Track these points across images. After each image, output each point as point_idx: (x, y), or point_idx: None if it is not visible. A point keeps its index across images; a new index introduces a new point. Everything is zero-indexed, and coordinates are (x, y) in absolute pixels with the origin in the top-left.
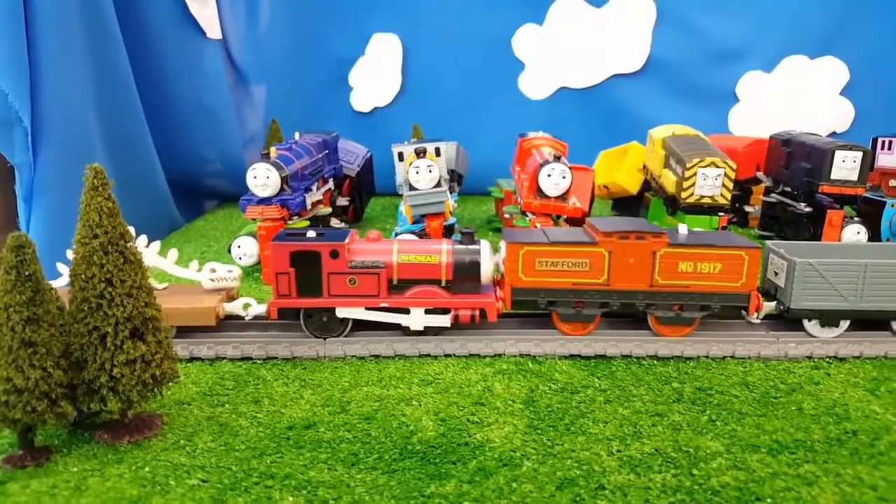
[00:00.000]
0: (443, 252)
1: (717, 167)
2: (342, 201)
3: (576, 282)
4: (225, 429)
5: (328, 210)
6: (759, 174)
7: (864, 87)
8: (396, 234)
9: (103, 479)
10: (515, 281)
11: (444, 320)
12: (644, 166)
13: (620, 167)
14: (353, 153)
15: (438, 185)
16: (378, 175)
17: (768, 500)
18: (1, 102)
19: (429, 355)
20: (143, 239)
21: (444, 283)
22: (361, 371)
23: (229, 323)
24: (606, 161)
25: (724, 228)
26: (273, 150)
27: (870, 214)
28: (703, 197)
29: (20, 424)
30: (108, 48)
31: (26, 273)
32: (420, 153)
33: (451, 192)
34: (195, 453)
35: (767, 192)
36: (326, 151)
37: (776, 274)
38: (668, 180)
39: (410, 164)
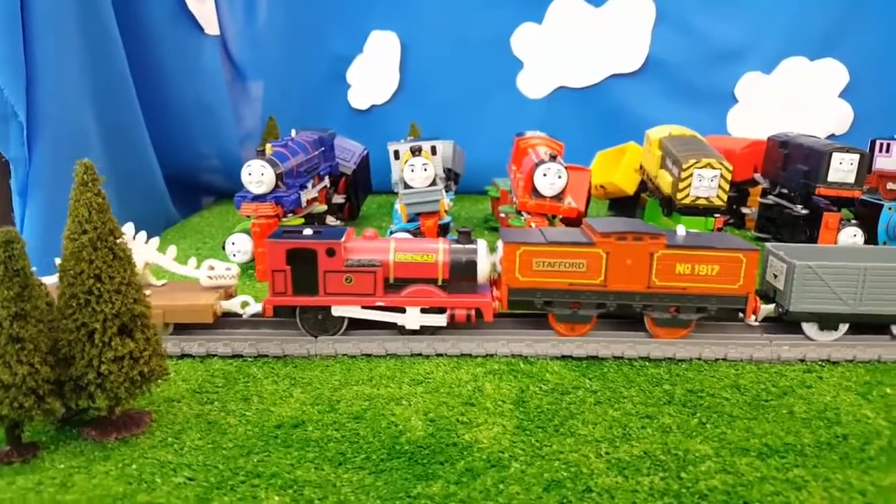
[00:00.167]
0: (440, 251)
1: (714, 168)
2: (338, 199)
3: (572, 282)
4: (213, 427)
5: (323, 208)
6: (757, 176)
7: (864, 89)
8: (391, 233)
9: (89, 476)
10: (512, 281)
11: (441, 320)
12: (641, 167)
13: (617, 167)
14: (349, 151)
15: (433, 183)
16: (375, 173)
17: None
18: None
19: (420, 355)
20: (142, 235)
21: (440, 283)
22: (352, 370)
23: (224, 320)
24: (604, 161)
25: (719, 230)
26: (268, 147)
27: (867, 217)
28: (698, 198)
29: (7, 420)
30: (105, 44)
31: (15, 269)
32: (415, 151)
33: (447, 191)
34: (182, 451)
35: (764, 193)
36: (322, 149)
37: (775, 276)
38: (665, 181)
39: (406, 162)
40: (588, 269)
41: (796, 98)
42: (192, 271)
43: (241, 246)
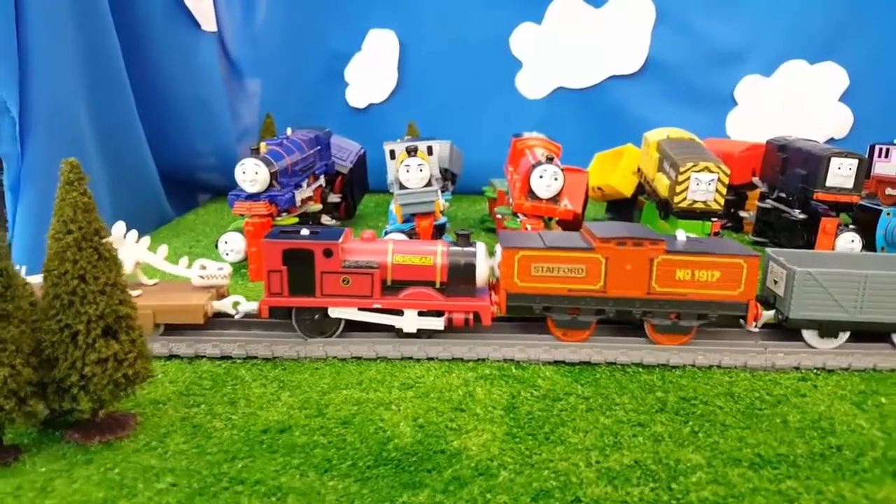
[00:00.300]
0: (438, 254)
1: (711, 172)
2: (334, 198)
3: (572, 288)
4: (198, 430)
5: (318, 207)
6: (755, 179)
7: (864, 93)
8: (386, 233)
9: (70, 480)
10: (511, 286)
11: (438, 323)
12: (638, 169)
13: (615, 169)
14: (345, 150)
15: (429, 184)
16: (372, 172)
17: None
18: None
19: (411, 358)
20: (133, 234)
21: (438, 286)
22: (342, 373)
23: (215, 321)
24: (601, 163)
25: (716, 234)
26: (263, 146)
27: (865, 222)
28: (695, 202)
29: None
30: (100, 39)
31: None
32: (411, 151)
33: (444, 192)
34: (166, 455)
35: (763, 197)
36: (318, 147)
37: (775, 282)
38: (662, 184)
39: (401, 162)
40: (587, 275)
41: (796, 101)
42: (184, 271)
43: (233, 245)
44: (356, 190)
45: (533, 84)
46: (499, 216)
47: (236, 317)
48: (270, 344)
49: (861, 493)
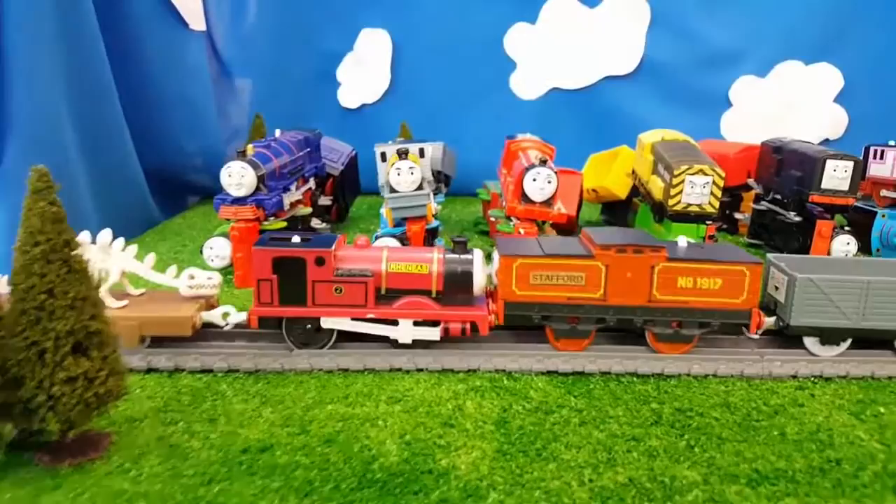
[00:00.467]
0: (434, 261)
1: (706, 175)
2: (324, 201)
3: (571, 296)
4: (175, 451)
5: (308, 210)
6: (750, 181)
7: (859, 94)
8: (377, 237)
9: None
10: (509, 294)
11: (434, 333)
12: (633, 171)
13: (609, 171)
14: (336, 151)
15: (420, 187)
16: (365, 174)
17: None
18: None
19: (400, 370)
20: (119, 242)
21: (434, 294)
22: (328, 386)
23: (203, 332)
24: (596, 164)
25: (711, 237)
26: (250, 148)
27: (860, 224)
28: (690, 205)
29: None
30: (83, 39)
31: None
32: (402, 154)
33: (437, 194)
34: (140, 479)
35: (758, 199)
36: (308, 149)
37: (776, 289)
38: (656, 186)
39: (392, 165)
40: (587, 283)
41: (791, 102)
42: (172, 280)
43: (219, 251)
44: (348, 192)
45: (527, 84)
46: (492, 219)
47: (226, 328)
48: (254, 356)
49: None
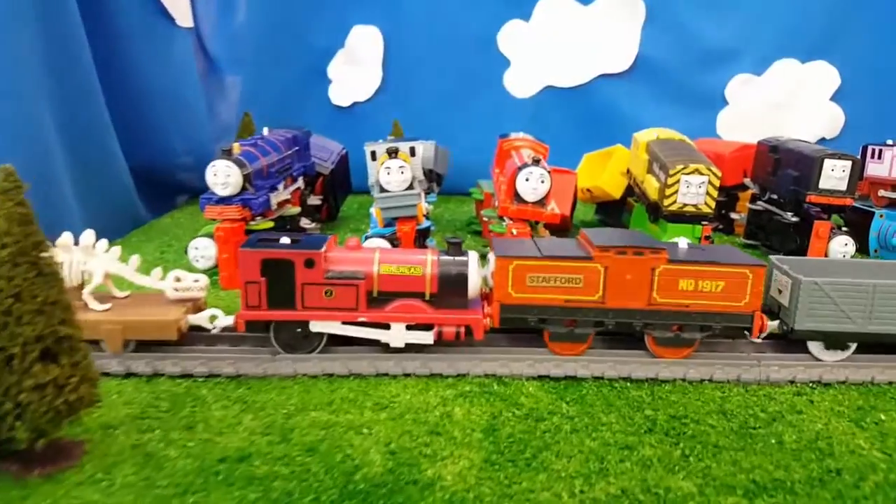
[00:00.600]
0: (427, 263)
1: (701, 174)
2: (314, 200)
3: (569, 299)
4: (150, 460)
5: (297, 210)
6: (747, 180)
7: (856, 92)
8: (366, 238)
9: None
10: (504, 297)
11: (427, 337)
12: (627, 170)
13: (604, 170)
14: (326, 150)
15: (411, 186)
16: (356, 173)
17: None
18: None
19: (387, 375)
20: (102, 243)
21: (428, 297)
22: (312, 392)
23: (191, 335)
24: (590, 164)
25: (707, 238)
26: (236, 146)
27: (857, 225)
28: (685, 205)
29: None
30: (66, 35)
31: None
32: (392, 153)
33: (429, 193)
34: (112, 489)
35: (754, 199)
36: (296, 148)
37: (780, 292)
38: (651, 186)
39: (382, 164)
40: (585, 285)
41: (787, 101)
42: (157, 283)
43: (204, 251)
44: (338, 192)
45: (521, 83)
46: (485, 218)
47: (213, 331)
48: (235, 360)
49: None
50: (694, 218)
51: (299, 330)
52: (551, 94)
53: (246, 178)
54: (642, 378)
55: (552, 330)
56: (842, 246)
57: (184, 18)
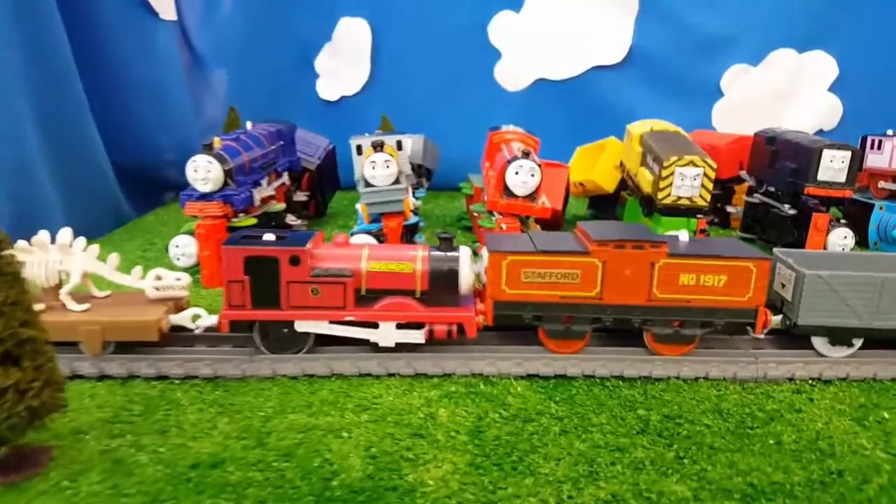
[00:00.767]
0: (418, 259)
1: (696, 166)
2: (300, 196)
3: (565, 295)
4: (119, 466)
5: (282, 206)
6: (743, 173)
7: (854, 82)
8: (352, 234)
9: None
10: (498, 293)
11: (418, 336)
12: (621, 163)
13: (596, 164)
14: (313, 145)
15: (397, 181)
16: (345, 169)
17: None
18: None
19: (370, 374)
20: (80, 241)
21: (418, 295)
22: (291, 393)
23: (176, 336)
24: (583, 157)
25: (702, 231)
26: (217, 141)
27: (856, 217)
28: (680, 198)
29: None
30: (43, 28)
31: None
32: (377, 147)
33: (418, 188)
34: (77, 498)
35: (750, 192)
36: (281, 143)
37: (783, 286)
38: (645, 179)
39: (367, 158)
40: (582, 281)
41: (784, 91)
42: (137, 282)
43: (185, 249)
44: (326, 187)
45: (512, 75)
46: (475, 213)
47: (196, 331)
48: (213, 362)
49: None
50: (689, 211)
51: (285, 330)
52: (543, 86)
53: (227, 173)
54: (635, 376)
55: (548, 327)
56: (841, 239)
57: (167, 11)
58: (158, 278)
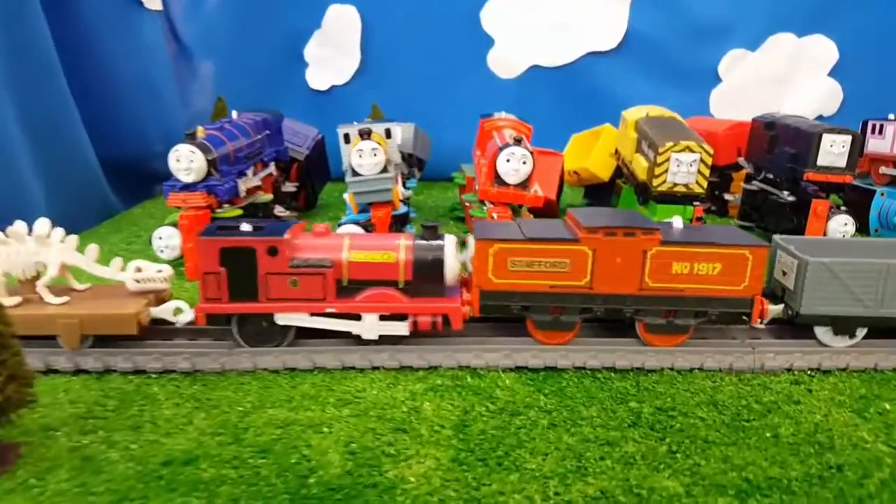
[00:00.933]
0: (401, 248)
1: (692, 152)
2: (289, 187)
3: (554, 284)
4: (88, 464)
5: (269, 197)
6: (741, 160)
7: (854, 67)
8: (340, 225)
9: None
10: (485, 283)
11: (402, 328)
12: (616, 151)
13: (591, 152)
14: (301, 135)
15: (385, 170)
16: (335, 159)
17: None
18: None
19: (353, 368)
20: (58, 232)
21: (402, 285)
22: (271, 388)
23: (157, 329)
24: (577, 145)
25: (698, 219)
26: (200, 130)
27: (856, 203)
28: (676, 185)
29: None
30: (24, 19)
31: None
32: (364, 134)
33: (409, 178)
34: (43, 496)
35: (748, 179)
36: (267, 132)
37: (784, 274)
38: (640, 166)
39: (354, 146)
40: (572, 270)
41: (783, 77)
42: (117, 274)
43: (168, 241)
44: (315, 178)
45: (505, 62)
46: (467, 203)
47: (178, 324)
48: (191, 355)
49: None
50: (685, 198)
51: (265, 323)
52: (537, 73)
53: (211, 163)
54: (627, 367)
55: (536, 318)
56: (841, 225)
57: (152, 1)
58: (139, 270)
